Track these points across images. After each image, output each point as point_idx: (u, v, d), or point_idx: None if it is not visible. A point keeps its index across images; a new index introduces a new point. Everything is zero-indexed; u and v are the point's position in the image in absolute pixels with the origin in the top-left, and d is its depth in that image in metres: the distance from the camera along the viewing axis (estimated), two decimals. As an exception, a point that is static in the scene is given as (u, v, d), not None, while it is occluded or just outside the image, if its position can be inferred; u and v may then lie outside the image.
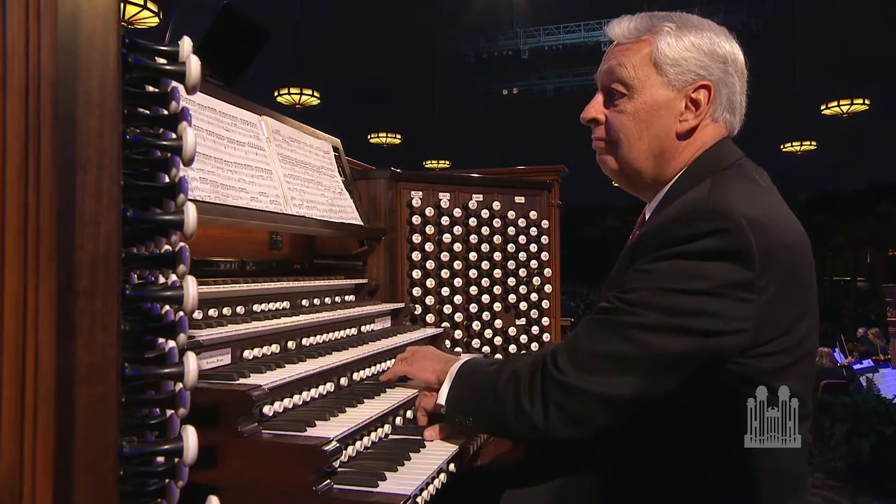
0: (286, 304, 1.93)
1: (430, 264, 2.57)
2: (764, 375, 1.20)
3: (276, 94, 14.10)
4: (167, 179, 0.79)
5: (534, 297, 2.77)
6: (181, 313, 0.77)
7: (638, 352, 1.19)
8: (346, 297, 2.33)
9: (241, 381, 1.35)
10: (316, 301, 2.09)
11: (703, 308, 1.16)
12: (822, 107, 16.08)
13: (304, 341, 1.80)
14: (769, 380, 1.20)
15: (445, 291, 2.59)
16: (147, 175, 0.81)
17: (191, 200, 0.80)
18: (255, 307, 1.80)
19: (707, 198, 1.25)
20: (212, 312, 1.62)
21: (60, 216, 0.58)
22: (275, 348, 1.66)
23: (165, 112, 0.77)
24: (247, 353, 1.56)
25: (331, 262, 2.44)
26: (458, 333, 2.63)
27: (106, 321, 0.63)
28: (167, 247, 0.83)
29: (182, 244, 0.78)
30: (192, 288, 0.74)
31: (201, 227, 1.82)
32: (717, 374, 1.20)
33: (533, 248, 2.77)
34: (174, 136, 0.76)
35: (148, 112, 0.78)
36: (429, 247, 2.57)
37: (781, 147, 18.24)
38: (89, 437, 0.61)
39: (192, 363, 0.74)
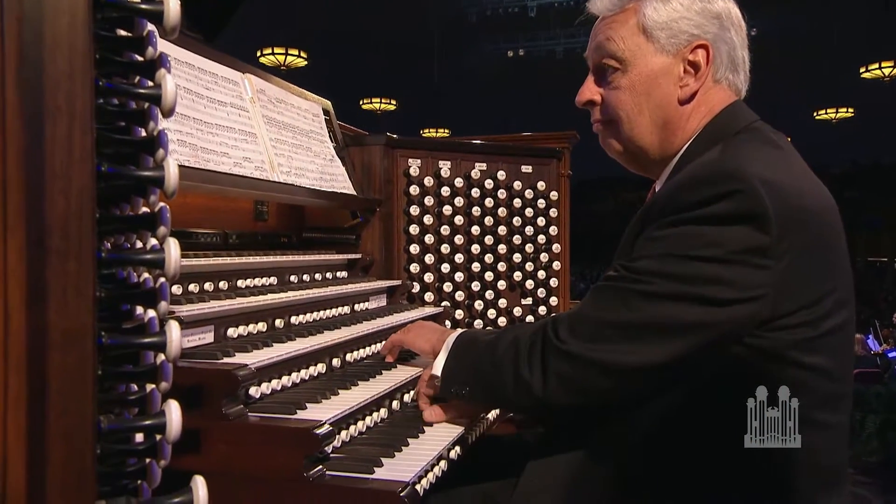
0: (273, 280, 1.93)
1: (428, 238, 2.57)
2: (789, 349, 1.22)
3: (258, 53, 14.00)
4: (144, 134, 0.79)
5: (541, 274, 2.78)
6: (162, 279, 0.78)
7: (645, 320, 1.22)
8: (338, 273, 2.34)
9: (226, 360, 1.36)
10: (305, 277, 2.09)
11: (716, 275, 1.18)
12: (862, 70, 15.95)
13: (293, 319, 1.81)
14: (796, 354, 1.22)
15: (445, 268, 2.60)
16: (122, 129, 0.81)
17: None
18: (240, 283, 1.81)
19: (717, 160, 1.28)
20: (192, 287, 1.63)
21: (29, 168, 0.58)
22: (261, 326, 1.67)
23: (141, 59, 0.76)
24: (231, 332, 1.57)
25: (321, 235, 2.44)
26: (458, 313, 2.64)
27: (80, 284, 0.63)
28: (145, 209, 0.83)
29: (162, 204, 0.78)
30: (174, 251, 0.74)
31: (180, 195, 1.80)
32: (736, 349, 1.22)
33: (540, 221, 2.78)
34: (151, 84, 0.75)
35: (121, 59, 0.77)
36: (428, 219, 2.58)
37: (815, 114, 18.14)
38: (64, 407, 0.62)
39: (174, 332, 0.75)
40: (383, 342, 1.91)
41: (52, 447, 0.61)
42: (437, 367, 1.52)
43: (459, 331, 1.59)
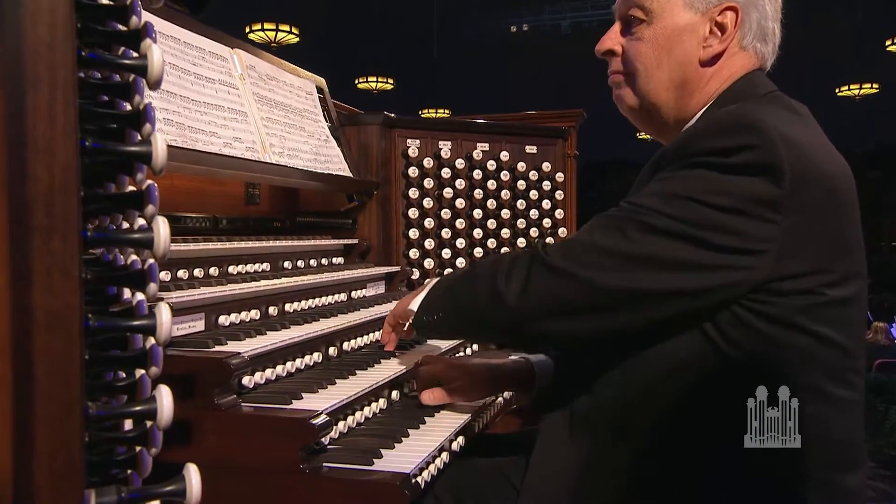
0: (266, 266, 1.94)
1: (428, 222, 2.58)
2: (797, 314, 1.23)
3: (247, 29, 13.91)
4: (129, 108, 0.80)
5: (548, 260, 2.78)
6: (150, 261, 0.78)
7: (640, 251, 1.24)
8: (334, 259, 2.35)
9: (218, 348, 1.37)
10: (300, 263, 2.10)
11: (720, 223, 1.20)
12: (888, 42, 15.82)
13: (287, 307, 1.82)
14: (803, 320, 1.23)
15: (446, 253, 2.61)
16: (106, 103, 0.81)
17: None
18: (231, 269, 1.82)
19: (736, 110, 1.30)
20: (181, 274, 1.64)
21: (10, 140, 0.59)
22: (254, 314, 1.68)
23: (125, 28, 0.76)
24: (222, 319, 1.58)
25: (316, 219, 2.45)
26: (461, 301, 2.65)
27: (65, 264, 0.64)
28: (131, 188, 0.83)
29: (149, 182, 0.79)
30: (163, 230, 0.75)
31: (166, 177, 1.78)
32: (742, 313, 1.23)
33: (546, 204, 2.78)
34: (136, 55, 0.76)
35: (104, 28, 0.77)
36: (427, 203, 2.58)
37: (837, 91, 18.01)
38: (50, 392, 0.63)
39: (164, 315, 0.75)
40: (381, 330, 1.92)
41: (38, 434, 0.61)
42: (416, 303, 1.54)
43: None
